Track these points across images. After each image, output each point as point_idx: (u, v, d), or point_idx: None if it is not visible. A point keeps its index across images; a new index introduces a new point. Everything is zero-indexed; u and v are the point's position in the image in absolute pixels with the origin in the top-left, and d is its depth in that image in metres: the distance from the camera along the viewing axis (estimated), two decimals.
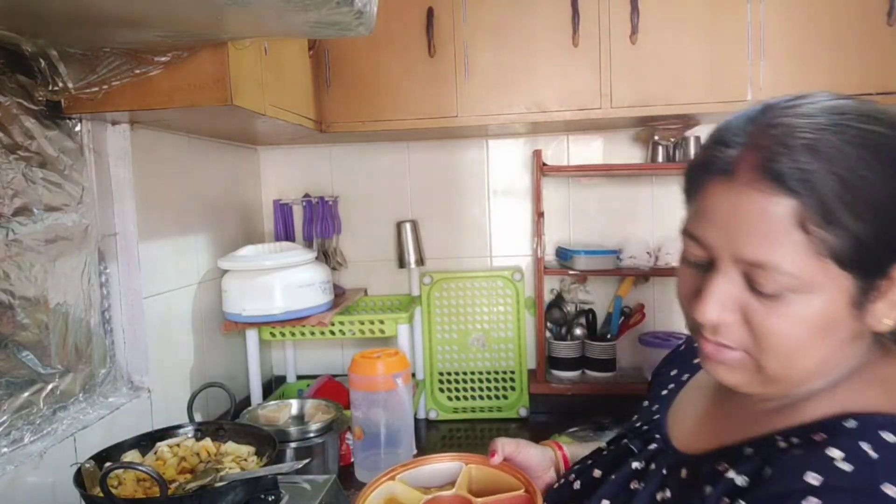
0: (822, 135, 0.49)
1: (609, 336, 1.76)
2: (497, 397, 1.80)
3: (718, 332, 0.54)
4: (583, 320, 1.79)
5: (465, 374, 1.81)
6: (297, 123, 1.37)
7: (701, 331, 0.56)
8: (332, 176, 1.89)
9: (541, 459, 0.82)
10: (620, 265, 1.69)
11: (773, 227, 0.50)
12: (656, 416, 0.71)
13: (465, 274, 1.82)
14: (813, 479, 0.46)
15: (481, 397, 1.81)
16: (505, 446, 0.79)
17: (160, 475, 0.78)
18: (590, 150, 1.81)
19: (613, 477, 0.65)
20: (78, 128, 1.14)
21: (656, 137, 1.68)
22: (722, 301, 0.53)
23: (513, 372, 1.79)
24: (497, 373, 1.80)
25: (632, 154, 1.80)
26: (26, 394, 0.99)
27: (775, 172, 0.49)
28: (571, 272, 1.68)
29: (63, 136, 1.11)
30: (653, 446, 0.66)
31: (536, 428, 1.68)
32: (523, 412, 1.74)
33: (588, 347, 1.76)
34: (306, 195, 1.85)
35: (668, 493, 0.58)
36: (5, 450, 0.94)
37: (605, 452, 0.73)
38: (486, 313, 1.81)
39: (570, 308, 1.81)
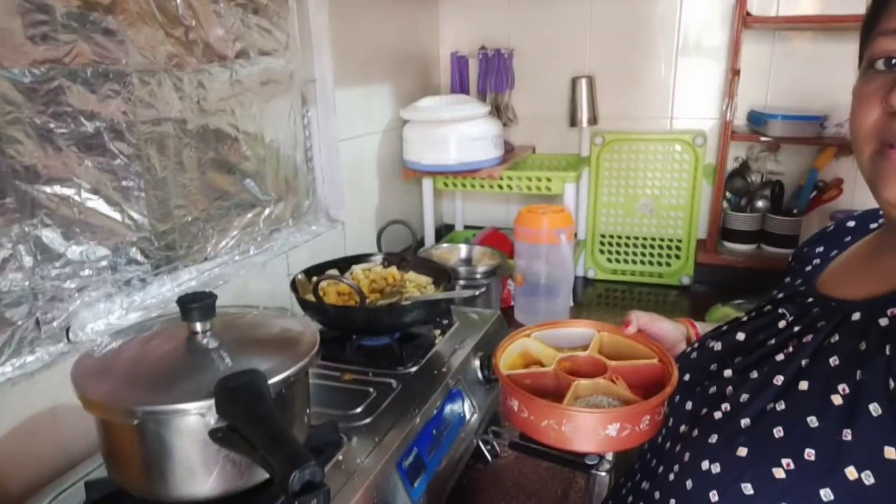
0: None
1: (795, 211, 1.63)
2: (659, 264, 1.78)
3: None
4: (767, 192, 1.66)
5: (627, 238, 1.81)
6: None
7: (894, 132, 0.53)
8: (509, 27, 1.85)
9: (672, 332, 0.82)
10: (823, 133, 1.51)
11: None
12: (802, 288, 0.67)
13: (641, 135, 1.74)
14: None
15: (642, 262, 1.80)
16: (640, 318, 0.80)
17: (360, 288, 0.92)
18: None
19: (773, 341, 0.61)
20: None
21: None
22: None
23: (679, 240, 1.75)
24: (662, 240, 1.77)
25: (856, 2, 1.52)
26: (250, 214, 1.19)
27: None
28: (763, 138, 1.54)
29: None
30: (813, 308, 0.62)
31: (697, 297, 1.66)
32: (686, 280, 1.72)
33: (769, 221, 1.65)
34: (482, 48, 1.84)
35: (837, 337, 0.55)
36: (237, 258, 1.15)
37: (745, 319, 0.70)
38: (659, 178, 1.75)
39: (755, 178, 1.68)
